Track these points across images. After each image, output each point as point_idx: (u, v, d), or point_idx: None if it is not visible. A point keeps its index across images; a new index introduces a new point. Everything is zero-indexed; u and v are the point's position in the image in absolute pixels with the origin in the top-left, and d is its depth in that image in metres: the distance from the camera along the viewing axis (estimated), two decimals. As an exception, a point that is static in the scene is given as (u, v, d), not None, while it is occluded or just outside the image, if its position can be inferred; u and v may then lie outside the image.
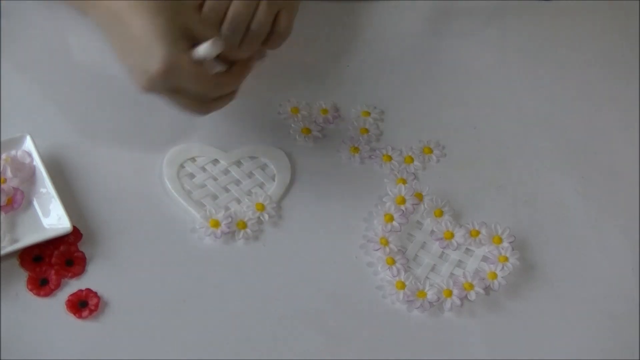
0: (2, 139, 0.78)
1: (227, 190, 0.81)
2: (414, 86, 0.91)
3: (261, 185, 0.81)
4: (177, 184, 0.80)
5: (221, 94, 0.74)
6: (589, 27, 0.99)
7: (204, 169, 0.82)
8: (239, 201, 0.80)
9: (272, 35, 0.79)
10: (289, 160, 0.83)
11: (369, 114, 0.88)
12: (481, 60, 0.95)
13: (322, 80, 0.89)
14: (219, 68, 0.75)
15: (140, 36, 0.69)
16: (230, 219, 0.77)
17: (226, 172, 0.82)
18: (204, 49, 0.70)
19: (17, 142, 0.78)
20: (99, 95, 0.86)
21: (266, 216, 0.79)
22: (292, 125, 0.86)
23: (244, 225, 0.78)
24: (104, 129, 0.84)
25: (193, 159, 0.82)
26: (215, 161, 0.82)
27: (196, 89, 0.71)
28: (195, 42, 0.71)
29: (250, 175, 0.82)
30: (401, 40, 0.96)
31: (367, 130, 0.86)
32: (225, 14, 0.77)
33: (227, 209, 0.79)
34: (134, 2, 0.70)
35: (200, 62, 0.70)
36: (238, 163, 0.83)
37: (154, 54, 0.68)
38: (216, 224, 0.77)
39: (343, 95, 0.89)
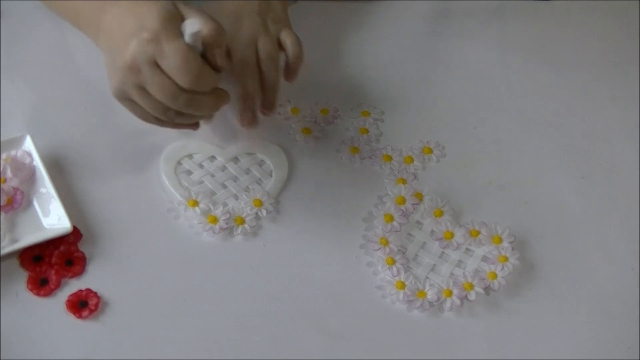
0: (2, 139, 0.78)
1: (224, 186, 0.81)
2: (414, 86, 0.91)
3: (258, 181, 0.81)
4: (174, 180, 0.80)
5: (197, 84, 0.70)
6: (589, 27, 0.99)
7: (201, 166, 0.82)
8: (236, 197, 0.80)
9: (288, 55, 0.82)
10: (285, 155, 0.83)
11: (369, 114, 0.88)
12: (481, 60, 0.95)
13: (322, 80, 0.89)
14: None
15: (143, 13, 0.69)
16: (228, 215, 0.78)
17: (223, 168, 0.82)
18: (189, 24, 0.69)
19: (17, 142, 0.79)
20: (98, 95, 0.86)
21: (264, 212, 0.79)
22: (292, 125, 0.86)
23: (242, 221, 0.78)
24: (104, 128, 0.84)
25: (190, 156, 0.82)
26: (212, 158, 0.83)
27: (177, 65, 0.68)
28: None
29: (247, 171, 0.82)
30: (401, 40, 0.96)
31: (367, 130, 0.87)
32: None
33: (225, 205, 0.79)
34: (147, 5, 0.70)
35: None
36: (235, 159, 0.83)
37: (147, 22, 0.68)
38: (214, 220, 0.77)
39: (343, 95, 0.89)
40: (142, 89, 0.71)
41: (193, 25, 0.69)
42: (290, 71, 0.83)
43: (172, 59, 0.68)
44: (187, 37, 0.69)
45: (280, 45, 0.83)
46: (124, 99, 0.73)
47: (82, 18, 0.78)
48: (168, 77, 0.69)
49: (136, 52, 0.69)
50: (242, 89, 0.81)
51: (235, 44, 0.82)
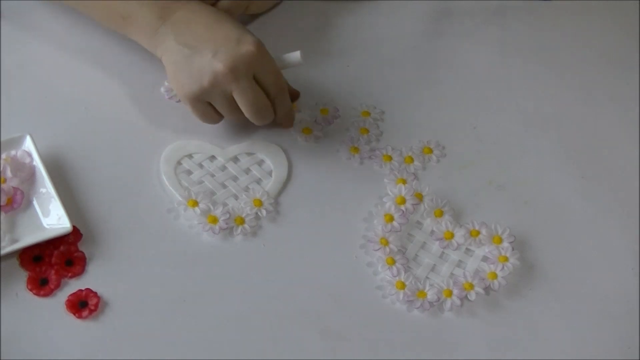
0: (2, 139, 0.78)
1: (224, 186, 0.81)
2: (414, 86, 0.91)
3: (258, 181, 0.81)
4: (174, 180, 0.80)
5: (282, 101, 0.80)
6: (589, 27, 0.99)
7: (200, 166, 0.82)
8: (236, 197, 0.80)
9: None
10: (285, 155, 0.83)
11: (369, 114, 0.88)
12: (481, 60, 0.95)
13: (322, 80, 0.89)
14: None
15: (230, 28, 0.77)
16: (228, 215, 0.78)
17: (223, 168, 0.82)
18: (293, 57, 0.81)
19: (17, 142, 0.79)
20: (98, 95, 0.86)
21: (264, 212, 0.79)
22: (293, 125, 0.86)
23: (241, 221, 0.78)
24: (104, 128, 0.84)
25: (190, 156, 0.82)
26: (212, 157, 0.83)
27: (272, 82, 0.78)
28: None
29: (247, 171, 0.82)
30: (401, 40, 0.96)
31: (367, 130, 0.87)
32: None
33: (224, 205, 0.79)
34: (216, 13, 0.79)
35: None
36: (235, 159, 0.83)
37: (247, 37, 0.76)
38: (214, 220, 0.77)
39: (343, 95, 0.89)
40: (227, 96, 0.77)
41: (294, 57, 0.81)
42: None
43: (270, 74, 0.78)
44: (284, 63, 0.81)
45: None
46: (201, 101, 0.78)
47: (135, 14, 0.80)
48: (262, 89, 0.77)
49: (239, 62, 0.75)
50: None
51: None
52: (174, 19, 0.79)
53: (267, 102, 0.78)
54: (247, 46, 0.75)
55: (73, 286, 0.73)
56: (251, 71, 0.76)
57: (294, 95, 0.86)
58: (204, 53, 0.75)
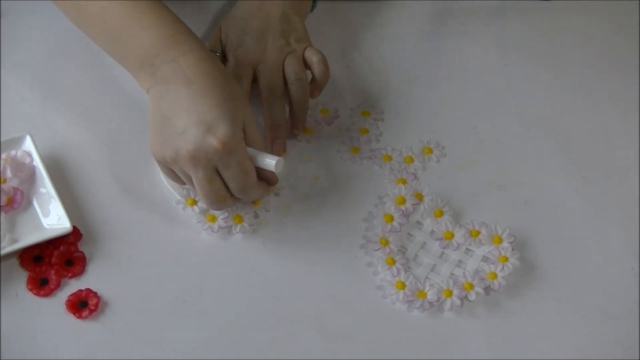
0: (2, 139, 0.78)
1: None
2: (414, 86, 0.91)
3: (258, 180, 0.81)
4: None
5: (245, 195, 0.75)
6: (589, 27, 0.99)
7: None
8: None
9: (315, 73, 0.83)
10: (285, 155, 0.83)
11: (369, 114, 0.88)
12: (481, 60, 0.95)
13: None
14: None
15: (210, 107, 0.70)
16: (226, 214, 0.77)
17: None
18: (268, 163, 0.73)
19: (17, 142, 0.79)
20: (99, 95, 0.86)
21: (263, 211, 0.79)
22: (293, 125, 0.86)
23: (240, 220, 0.78)
24: (104, 129, 0.84)
25: None
26: None
27: (235, 179, 0.72)
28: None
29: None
30: (401, 40, 0.96)
31: (367, 130, 0.87)
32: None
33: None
34: (207, 79, 0.71)
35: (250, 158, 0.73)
36: None
37: (218, 128, 0.69)
38: (213, 219, 0.77)
39: (343, 95, 0.89)
40: (186, 175, 0.73)
41: (269, 164, 0.73)
42: (315, 88, 0.84)
43: (234, 173, 0.71)
44: (258, 162, 0.73)
45: (305, 63, 0.84)
46: (164, 166, 0.74)
47: (131, 50, 0.74)
48: (223, 182, 0.72)
49: (198, 155, 0.70)
50: (269, 118, 0.82)
51: (262, 69, 0.82)
52: (163, 71, 0.72)
53: (223, 195, 0.73)
54: (213, 140, 0.69)
55: (73, 286, 0.73)
56: (211, 164, 0.70)
57: (271, 182, 0.77)
58: (175, 125, 0.70)
